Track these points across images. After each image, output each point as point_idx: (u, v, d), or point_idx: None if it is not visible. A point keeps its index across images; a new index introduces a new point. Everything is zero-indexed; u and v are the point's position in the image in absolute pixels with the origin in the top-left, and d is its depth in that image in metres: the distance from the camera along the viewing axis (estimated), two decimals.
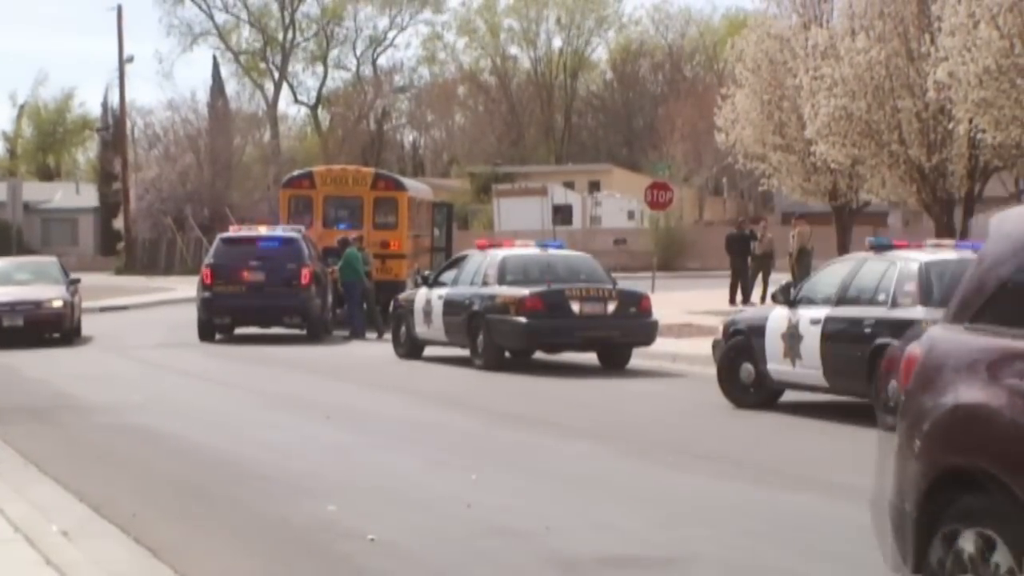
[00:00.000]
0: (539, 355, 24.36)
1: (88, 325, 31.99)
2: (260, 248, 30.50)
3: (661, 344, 24.44)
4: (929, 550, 6.67)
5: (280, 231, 31.69)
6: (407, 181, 39.76)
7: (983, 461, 6.31)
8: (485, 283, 24.07)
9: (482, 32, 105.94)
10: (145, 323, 37.03)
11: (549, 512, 11.17)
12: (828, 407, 17.41)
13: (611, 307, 23.19)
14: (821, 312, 16.91)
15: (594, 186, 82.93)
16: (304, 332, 30.45)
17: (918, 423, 6.92)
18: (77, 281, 31.29)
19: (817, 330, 16.82)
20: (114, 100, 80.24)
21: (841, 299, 16.86)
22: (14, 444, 15.27)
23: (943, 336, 7.13)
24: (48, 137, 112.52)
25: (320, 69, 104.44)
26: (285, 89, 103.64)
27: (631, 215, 73.14)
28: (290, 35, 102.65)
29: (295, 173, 39.22)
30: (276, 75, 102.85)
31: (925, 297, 15.79)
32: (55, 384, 21.99)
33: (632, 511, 11.34)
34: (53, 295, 29.55)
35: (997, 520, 6.27)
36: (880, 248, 17.20)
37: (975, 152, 32.47)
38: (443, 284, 25.32)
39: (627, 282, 26.63)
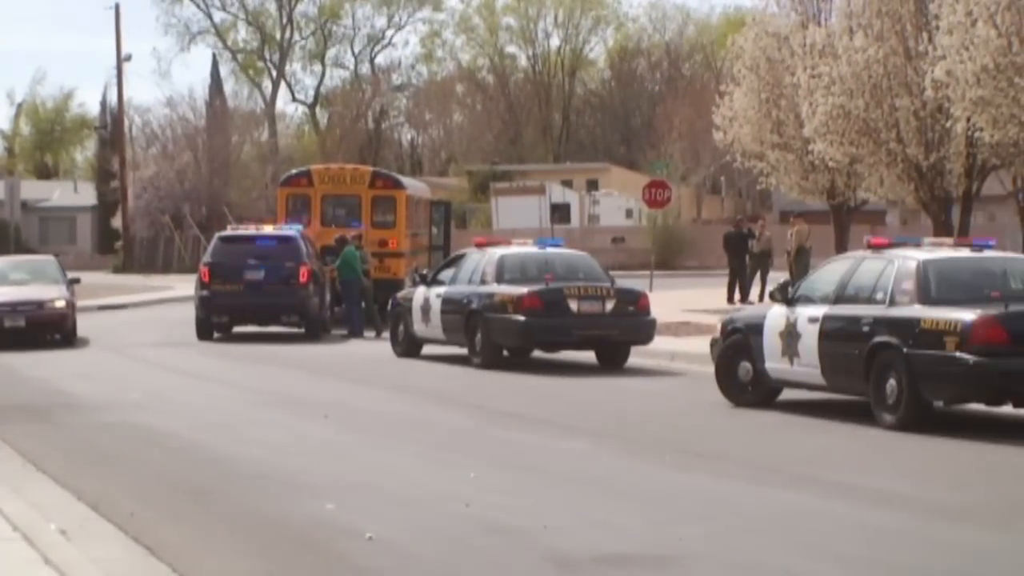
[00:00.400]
0: (537, 354, 24.36)
1: (86, 324, 31.88)
2: (258, 247, 30.47)
3: (659, 343, 24.44)
4: None
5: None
6: (405, 180, 39.72)
7: None
8: (483, 281, 24.07)
9: (480, 30, 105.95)
10: (143, 322, 37.02)
11: (547, 510, 11.18)
12: (826, 405, 17.42)
13: (609, 306, 23.18)
14: (819, 311, 16.91)
15: (592, 185, 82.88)
16: (302, 331, 30.44)
17: None
18: (76, 281, 30.85)
19: (815, 328, 16.82)
20: (112, 98, 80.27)
21: (839, 297, 16.85)
22: (13, 443, 15.28)
23: None
24: (46, 136, 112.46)
25: (318, 68, 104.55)
26: (283, 88, 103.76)
27: (629, 214, 73.11)
28: (288, 34, 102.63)
29: (293, 172, 39.17)
30: (274, 74, 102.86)
31: (923, 295, 15.79)
32: (53, 383, 21.98)
33: (630, 509, 11.35)
34: (55, 295, 29.04)
35: None
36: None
37: (973, 150, 32.47)
38: (441, 283, 25.31)
39: (625, 280, 26.62)
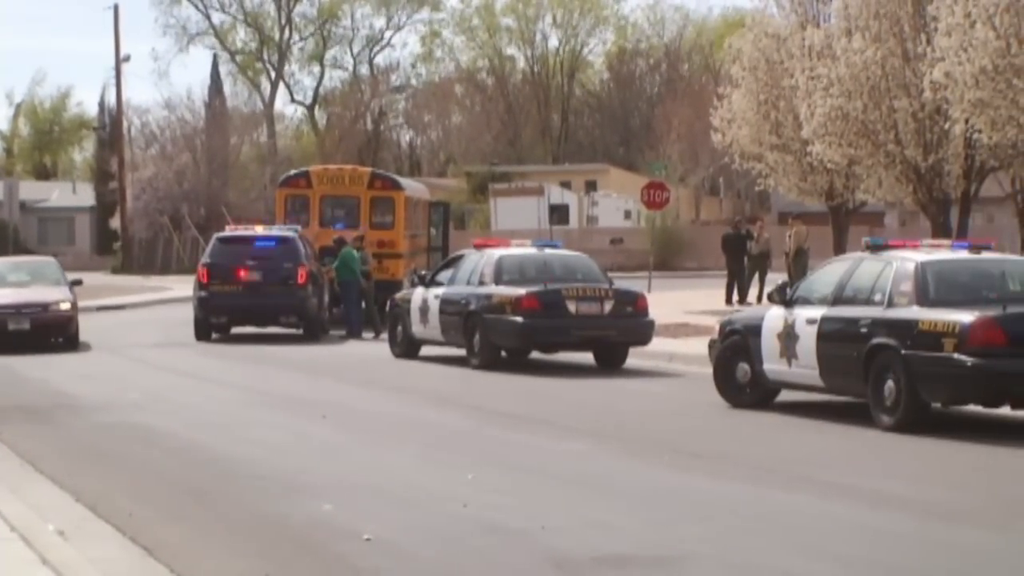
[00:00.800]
0: (535, 355, 24.37)
1: (85, 325, 31.61)
2: (256, 247, 30.46)
3: (657, 344, 24.44)
4: None
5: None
6: (404, 180, 39.74)
7: None
8: (482, 282, 24.07)
9: (479, 31, 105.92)
10: (141, 323, 37.01)
11: (545, 511, 11.19)
12: (824, 407, 17.43)
13: (607, 307, 23.19)
14: (817, 312, 16.91)
15: (591, 186, 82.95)
16: (301, 332, 30.44)
17: None
18: (79, 282, 30.15)
19: (813, 330, 16.83)
20: (111, 99, 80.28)
21: (837, 299, 16.86)
22: (11, 443, 15.29)
23: None
24: (45, 136, 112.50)
25: (317, 69, 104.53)
26: (282, 88, 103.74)
27: (627, 215, 73.15)
28: (287, 35, 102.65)
29: (291, 173, 39.19)
30: (273, 75, 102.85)
31: (921, 297, 15.80)
32: (52, 383, 21.98)
33: (628, 510, 11.36)
34: (60, 297, 28.27)
35: None
36: (876, 248, 17.22)
37: (971, 152, 32.49)
38: (440, 283, 25.32)
39: (623, 282, 26.63)
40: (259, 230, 31.85)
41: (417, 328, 25.51)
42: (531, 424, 16.92)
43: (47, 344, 27.82)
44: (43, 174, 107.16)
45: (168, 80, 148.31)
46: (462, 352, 24.22)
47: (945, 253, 16.98)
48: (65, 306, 28.25)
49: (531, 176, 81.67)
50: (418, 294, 25.64)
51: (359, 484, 12.62)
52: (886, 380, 15.71)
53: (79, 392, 20.67)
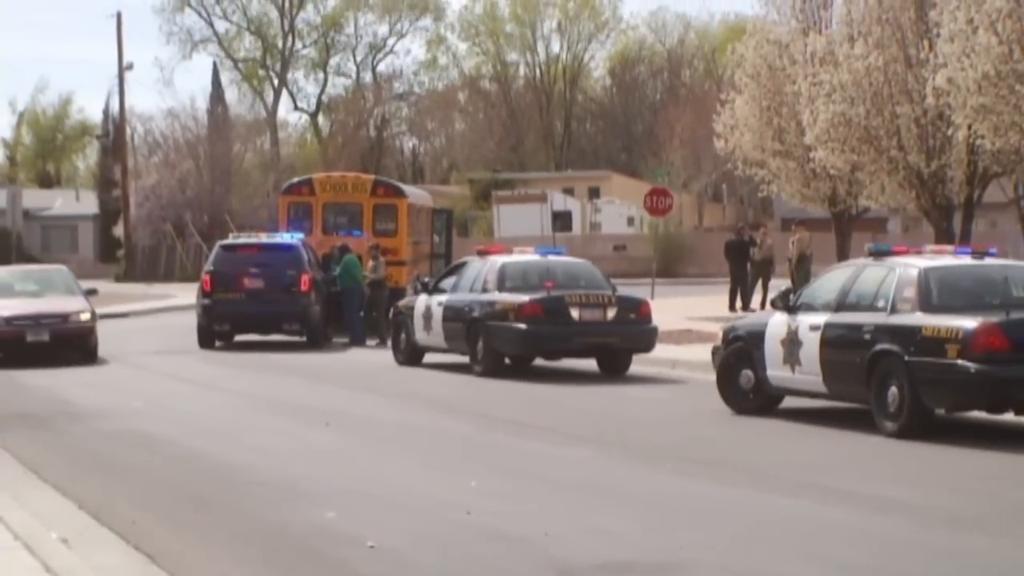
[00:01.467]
0: (539, 361, 24.36)
1: None
2: (260, 255, 30.48)
3: (661, 350, 24.44)
4: None
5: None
6: (406, 188, 39.73)
7: None
8: (485, 289, 24.07)
9: (483, 37, 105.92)
10: (145, 330, 37.00)
11: (548, 518, 11.18)
12: (827, 413, 17.42)
13: (611, 313, 23.18)
14: (820, 318, 16.91)
15: (594, 192, 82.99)
16: (304, 339, 30.45)
17: None
18: (94, 292, 28.78)
19: (816, 336, 16.83)
20: (114, 107, 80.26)
21: (840, 305, 16.86)
22: (14, 451, 15.29)
23: None
24: (48, 144, 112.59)
25: (320, 76, 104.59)
26: (285, 96, 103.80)
27: (631, 221, 73.16)
28: (290, 42, 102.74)
29: (295, 180, 39.18)
30: (276, 82, 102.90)
31: (924, 303, 15.79)
32: (54, 391, 21.98)
33: (631, 517, 11.35)
34: (79, 307, 26.81)
35: None
36: (879, 254, 17.21)
37: (974, 158, 32.48)
38: (443, 291, 25.32)
39: (627, 288, 26.62)
40: (263, 238, 31.74)
41: (420, 335, 25.51)
42: (534, 431, 16.93)
43: (66, 357, 26.37)
44: (46, 182, 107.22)
45: (172, 88, 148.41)
46: (465, 359, 24.22)
47: (948, 259, 16.95)
48: (85, 316, 26.76)
49: (534, 183, 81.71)
50: (421, 301, 25.64)
51: (361, 491, 12.61)
52: (889, 386, 15.70)
53: (82, 400, 20.67)
